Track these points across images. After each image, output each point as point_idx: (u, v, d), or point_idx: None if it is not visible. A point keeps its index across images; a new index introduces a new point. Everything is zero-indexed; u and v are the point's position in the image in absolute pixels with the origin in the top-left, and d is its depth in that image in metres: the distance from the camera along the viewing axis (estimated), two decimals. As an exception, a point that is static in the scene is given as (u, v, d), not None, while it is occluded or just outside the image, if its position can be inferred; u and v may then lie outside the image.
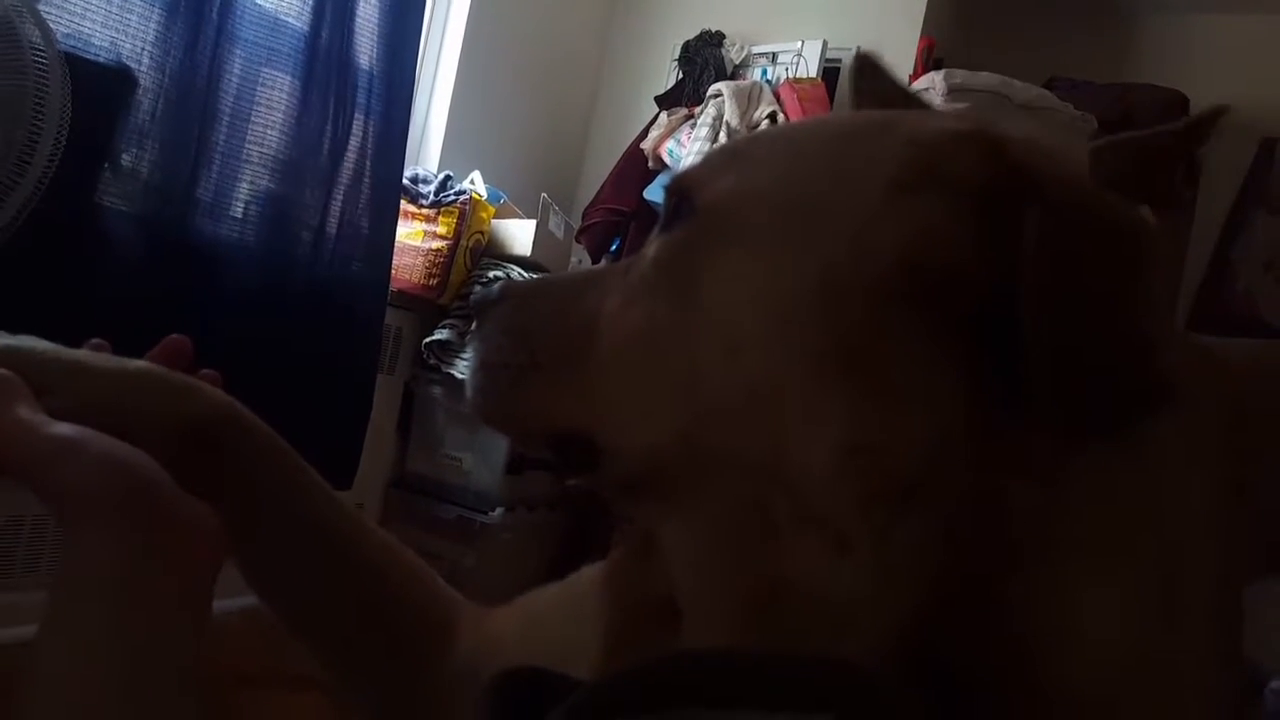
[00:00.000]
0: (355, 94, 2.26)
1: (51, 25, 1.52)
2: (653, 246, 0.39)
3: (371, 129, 2.31)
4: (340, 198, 2.26)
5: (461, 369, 2.48)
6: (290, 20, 2.12)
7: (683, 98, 2.97)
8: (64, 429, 0.36)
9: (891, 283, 0.31)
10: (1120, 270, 0.29)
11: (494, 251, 2.67)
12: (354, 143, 2.28)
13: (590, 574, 0.49)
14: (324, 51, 2.17)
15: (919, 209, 0.31)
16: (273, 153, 2.11)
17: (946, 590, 0.29)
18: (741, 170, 0.37)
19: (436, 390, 2.56)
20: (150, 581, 0.33)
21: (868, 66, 0.52)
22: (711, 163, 0.40)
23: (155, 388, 0.47)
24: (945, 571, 0.29)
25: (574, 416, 0.39)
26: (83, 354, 0.47)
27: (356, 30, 2.26)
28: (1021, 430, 0.29)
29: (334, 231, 2.25)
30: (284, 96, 2.12)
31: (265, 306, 2.09)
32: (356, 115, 2.27)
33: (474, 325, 0.45)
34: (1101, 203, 0.30)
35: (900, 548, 0.29)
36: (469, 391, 0.43)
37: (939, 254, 0.30)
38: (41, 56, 1.43)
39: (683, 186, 0.39)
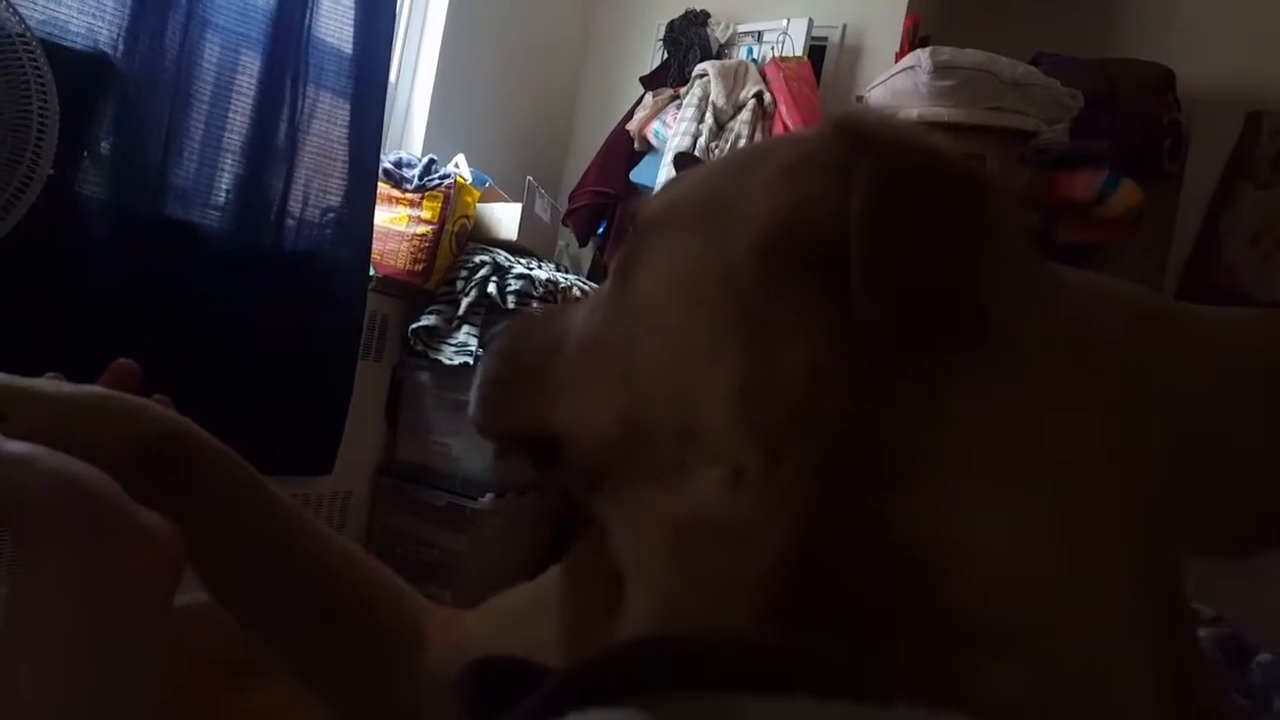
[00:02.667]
0: (330, 78, 2.24)
1: (25, 13, 1.50)
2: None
3: (346, 112, 2.29)
4: (316, 182, 2.24)
5: (449, 354, 2.48)
6: (260, 2, 2.09)
7: (668, 78, 2.95)
8: (15, 446, 0.36)
9: (774, 244, 0.35)
10: (935, 208, 0.33)
11: (480, 236, 2.66)
12: (328, 126, 2.26)
13: (556, 574, 0.50)
14: (295, 33, 2.14)
15: (796, 185, 0.36)
16: (246, 137, 2.09)
17: (834, 510, 0.32)
18: (676, 188, 0.44)
19: (424, 377, 2.56)
20: (108, 594, 0.33)
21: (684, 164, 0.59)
22: (661, 188, 0.46)
23: (108, 410, 0.48)
24: (830, 493, 0.32)
25: (541, 417, 0.43)
26: (34, 380, 0.47)
27: (331, 12, 2.24)
28: (881, 360, 0.33)
29: (310, 216, 2.24)
30: (256, 80, 2.10)
31: (242, 292, 2.08)
32: (331, 98, 2.25)
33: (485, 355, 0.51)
34: (922, 154, 0.34)
35: (787, 473, 0.32)
36: (470, 407, 0.49)
37: (808, 215, 0.35)
38: (28, 47, 1.42)
39: (632, 209, 0.45)
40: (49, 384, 0.47)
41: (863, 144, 0.34)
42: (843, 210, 0.33)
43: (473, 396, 0.49)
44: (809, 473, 0.32)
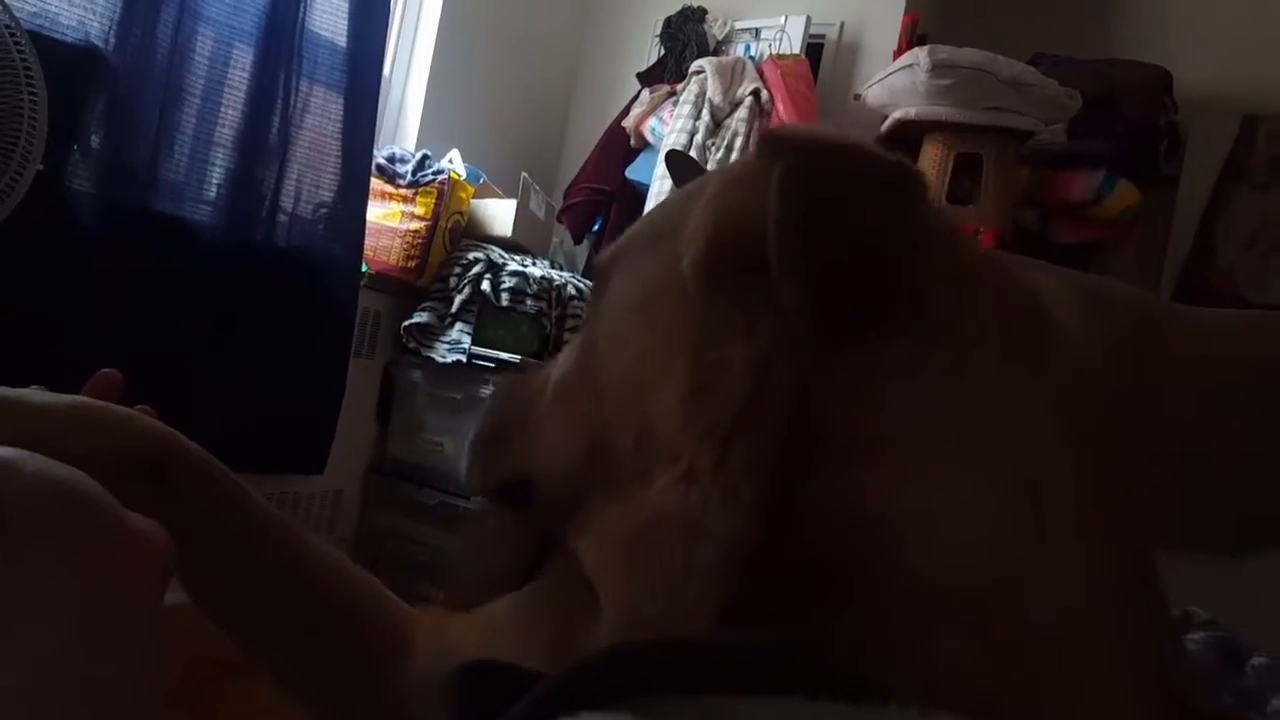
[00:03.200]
0: (323, 71, 2.23)
1: (15, 5, 1.49)
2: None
3: (340, 106, 2.27)
4: (309, 177, 2.23)
5: (442, 352, 2.47)
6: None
7: (665, 74, 2.94)
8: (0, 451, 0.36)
9: (715, 253, 0.37)
10: (849, 194, 0.34)
11: (473, 232, 2.65)
12: (321, 121, 2.24)
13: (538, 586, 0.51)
14: (289, 26, 2.13)
15: (730, 196, 0.38)
16: (238, 131, 2.08)
17: (781, 493, 0.33)
18: (634, 228, 0.46)
19: (416, 374, 2.54)
20: (96, 594, 0.34)
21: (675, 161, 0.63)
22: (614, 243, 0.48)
23: (93, 420, 0.48)
24: (777, 477, 0.33)
25: (518, 464, 0.45)
26: (16, 390, 0.47)
27: (324, 5, 2.22)
28: (818, 348, 0.34)
29: (302, 210, 2.23)
30: (249, 74, 2.09)
31: (234, 288, 2.06)
32: (324, 92, 2.24)
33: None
34: (836, 148, 0.36)
35: (736, 463, 0.33)
36: (463, 475, 0.53)
37: (741, 221, 0.36)
38: (17, 39, 1.41)
39: (602, 256, 0.47)
40: (33, 394, 0.47)
41: (779, 146, 0.36)
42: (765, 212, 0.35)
43: (464, 459, 0.51)
44: (757, 460, 0.33)
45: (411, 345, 2.51)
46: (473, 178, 2.68)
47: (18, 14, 1.45)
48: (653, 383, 0.37)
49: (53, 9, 1.72)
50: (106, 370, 0.53)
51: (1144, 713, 0.30)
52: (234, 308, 2.06)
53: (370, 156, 2.40)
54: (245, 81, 2.08)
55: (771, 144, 0.37)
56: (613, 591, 0.36)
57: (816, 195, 0.34)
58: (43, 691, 0.31)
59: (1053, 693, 0.29)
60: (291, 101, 2.16)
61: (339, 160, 2.28)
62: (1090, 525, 0.33)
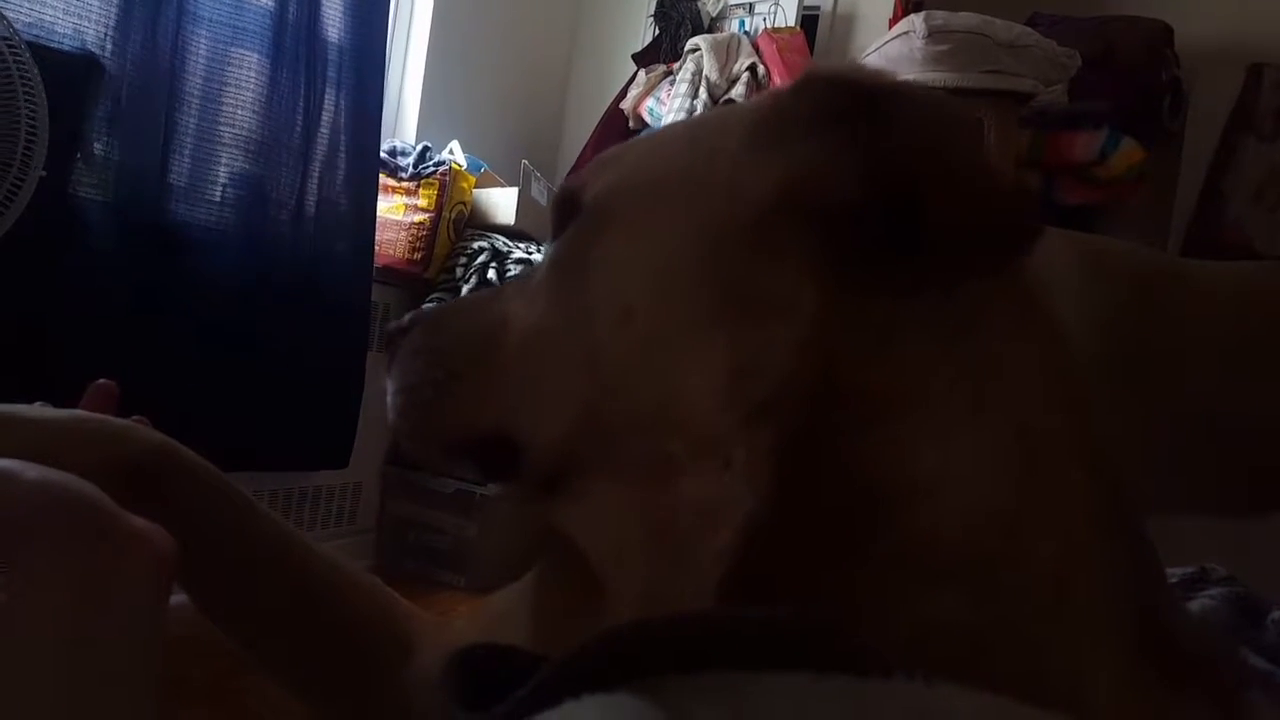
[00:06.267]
0: (326, 68, 2.23)
1: (11, 15, 1.49)
2: (548, 251, 0.42)
3: (345, 103, 2.28)
4: (317, 175, 2.23)
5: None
6: (253, -4, 2.08)
7: (660, 55, 2.93)
8: None
9: (769, 218, 0.34)
10: (967, 143, 0.33)
11: (477, 222, 2.65)
12: (327, 118, 2.25)
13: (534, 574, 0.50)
14: (291, 26, 2.14)
15: (788, 148, 0.35)
16: (245, 133, 2.09)
17: (803, 462, 0.31)
18: (616, 169, 0.42)
19: (428, 365, 2.55)
20: (97, 595, 0.33)
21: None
22: (594, 166, 0.43)
23: (92, 432, 0.49)
24: (801, 447, 0.31)
25: (492, 419, 0.41)
26: (15, 406, 0.47)
27: (325, 2, 2.22)
28: (863, 309, 0.33)
29: (313, 210, 2.23)
30: (253, 75, 2.09)
31: (247, 290, 2.07)
32: (328, 90, 2.24)
33: (389, 357, 0.46)
34: (931, 96, 0.34)
35: (764, 440, 0.32)
36: (391, 416, 0.45)
37: (814, 181, 0.34)
38: (14, 49, 1.41)
39: (568, 193, 0.43)
40: (31, 409, 0.48)
41: (876, 95, 0.33)
42: (848, 164, 0.33)
43: (394, 405, 0.44)
44: (788, 436, 0.32)
45: (421, 337, 2.52)
46: (474, 167, 2.68)
47: (14, 24, 1.45)
48: (678, 362, 0.34)
49: (48, 19, 1.72)
50: (102, 381, 0.53)
51: (1137, 661, 0.31)
52: (249, 309, 2.07)
53: (377, 151, 2.40)
54: (248, 83, 2.09)
55: (842, 87, 0.34)
56: (627, 574, 0.35)
57: (950, 147, 0.32)
58: (45, 695, 0.31)
59: (1049, 648, 0.30)
60: (296, 101, 2.16)
61: (345, 157, 2.29)
62: (1085, 486, 0.33)
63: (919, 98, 0.34)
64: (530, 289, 0.42)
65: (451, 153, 2.65)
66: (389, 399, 0.45)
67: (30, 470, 0.35)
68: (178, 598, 0.41)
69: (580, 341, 0.37)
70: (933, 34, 2.32)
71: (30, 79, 1.41)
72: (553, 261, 0.41)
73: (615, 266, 0.38)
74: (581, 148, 3.03)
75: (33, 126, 1.42)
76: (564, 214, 0.42)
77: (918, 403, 0.32)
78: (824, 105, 0.35)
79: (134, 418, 0.53)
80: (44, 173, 1.45)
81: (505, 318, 0.42)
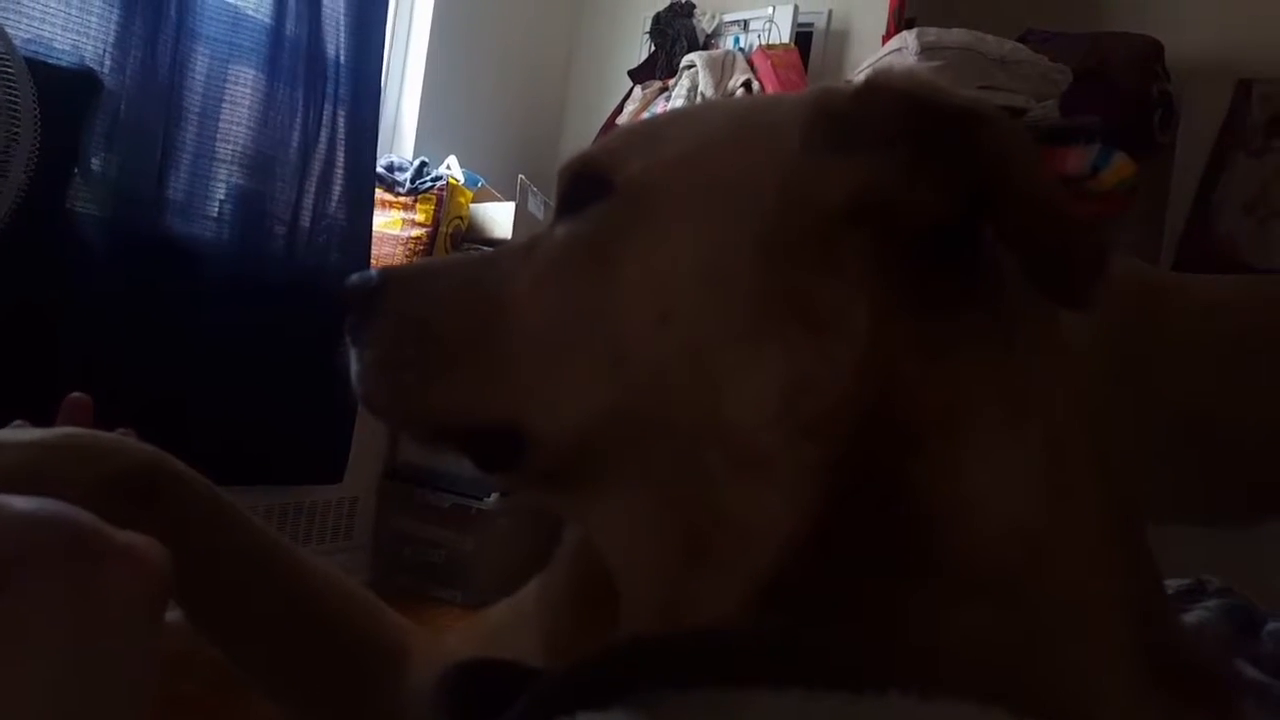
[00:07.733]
0: (324, 84, 2.23)
1: (11, 31, 1.49)
2: (562, 227, 0.39)
3: (342, 119, 2.28)
4: (314, 190, 2.23)
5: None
6: (252, 13, 2.09)
7: (656, 71, 2.94)
8: None
9: (835, 227, 0.33)
10: (1041, 163, 0.33)
11: (474, 236, 2.65)
12: (325, 134, 2.25)
13: (535, 586, 0.49)
14: (289, 43, 2.14)
15: (863, 165, 0.34)
16: (243, 149, 2.09)
17: (851, 482, 0.31)
18: (657, 150, 0.39)
19: (425, 379, 2.55)
20: (89, 614, 0.32)
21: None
22: (623, 143, 0.41)
23: (82, 449, 0.47)
24: (850, 467, 0.31)
25: (496, 407, 0.38)
26: (1, 431, 0.47)
27: (323, 20, 2.23)
28: (917, 326, 0.32)
29: (309, 224, 2.23)
30: (251, 91, 2.09)
31: (243, 304, 2.07)
32: (326, 106, 2.25)
33: (352, 315, 0.42)
34: (1005, 117, 0.34)
35: (811, 458, 0.31)
36: (363, 391, 0.42)
37: (889, 193, 0.33)
38: (7, 64, 1.41)
39: (590, 167, 0.40)
40: (18, 431, 0.47)
41: (953, 114, 0.33)
42: (922, 180, 0.33)
43: (369, 379, 0.42)
44: (833, 453, 0.31)
45: (418, 351, 2.51)
46: (471, 182, 2.68)
47: (13, 40, 1.45)
48: (724, 371, 0.33)
49: (47, 34, 1.72)
50: (75, 395, 0.52)
51: (1146, 675, 0.31)
52: (245, 324, 2.07)
53: (374, 167, 2.41)
54: (246, 99, 2.09)
55: (916, 104, 0.33)
56: (645, 581, 0.35)
57: (1032, 170, 0.32)
58: (33, 710, 0.30)
59: (1067, 661, 0.30)
60: (294, 117, 2.17)
61: (343, 172, 2.29)
62: (1101, 500, 0.33)
63: (1000, 118, 0.33)
64: (538, 266, 0.39)
65: (449, 168, 2.66)
66: (358, 368, 0.42)
67: (17, 501, 0.34)
68: (173, 614, 0.40)
69: (606, 337, 0.36)
70: (925, 50, 2.34)
71: (15, 83, 1.39)
72: (570, 242, 0.39)
73: (654, 265, 0.36)
74: (577, 162, 3.03)
75: (14, 134, 1.39)
76: (583, 189, 0.39)
77: (966, 421, 0.32)
78: (895, 117, 0.34)
79: (120, 430, 0.52)
80: (25, 175, 1.41)
81: (508, 296, 0.39)
